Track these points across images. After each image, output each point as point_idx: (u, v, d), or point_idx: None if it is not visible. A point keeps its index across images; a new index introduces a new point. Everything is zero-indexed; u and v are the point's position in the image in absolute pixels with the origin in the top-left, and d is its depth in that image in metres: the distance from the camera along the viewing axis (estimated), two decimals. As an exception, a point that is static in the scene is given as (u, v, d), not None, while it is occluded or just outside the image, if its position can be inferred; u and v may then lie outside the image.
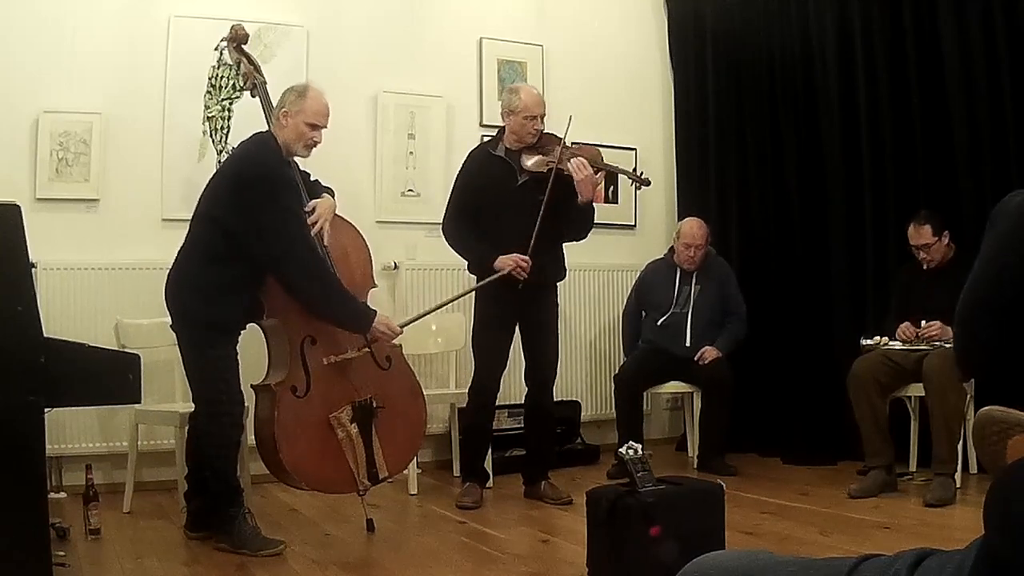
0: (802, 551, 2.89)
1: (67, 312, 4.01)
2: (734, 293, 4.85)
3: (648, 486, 2.58)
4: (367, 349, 3.33)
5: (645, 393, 4.76)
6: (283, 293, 3.18)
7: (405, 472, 3.96)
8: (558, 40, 5.33)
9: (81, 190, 4.25)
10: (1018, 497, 0.86)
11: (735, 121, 5.41)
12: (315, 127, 3.28)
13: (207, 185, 3.31)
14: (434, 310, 3.97)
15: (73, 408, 3.64)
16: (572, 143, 3.92)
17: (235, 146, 3.60)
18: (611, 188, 5.42)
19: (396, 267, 4.76)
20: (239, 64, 3.54)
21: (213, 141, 4.48)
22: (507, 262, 3.75)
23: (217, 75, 4.47)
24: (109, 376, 2.48)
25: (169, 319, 3.28)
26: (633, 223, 5.54)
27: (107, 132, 4.28)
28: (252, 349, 3.42)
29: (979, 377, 2.75)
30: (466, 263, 4.03)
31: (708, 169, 5.48)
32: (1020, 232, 1.08)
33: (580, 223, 3.94)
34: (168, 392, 4.02)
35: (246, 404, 3.31)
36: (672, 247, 4.92)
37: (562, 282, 4.10)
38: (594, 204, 3.92)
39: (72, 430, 4.03)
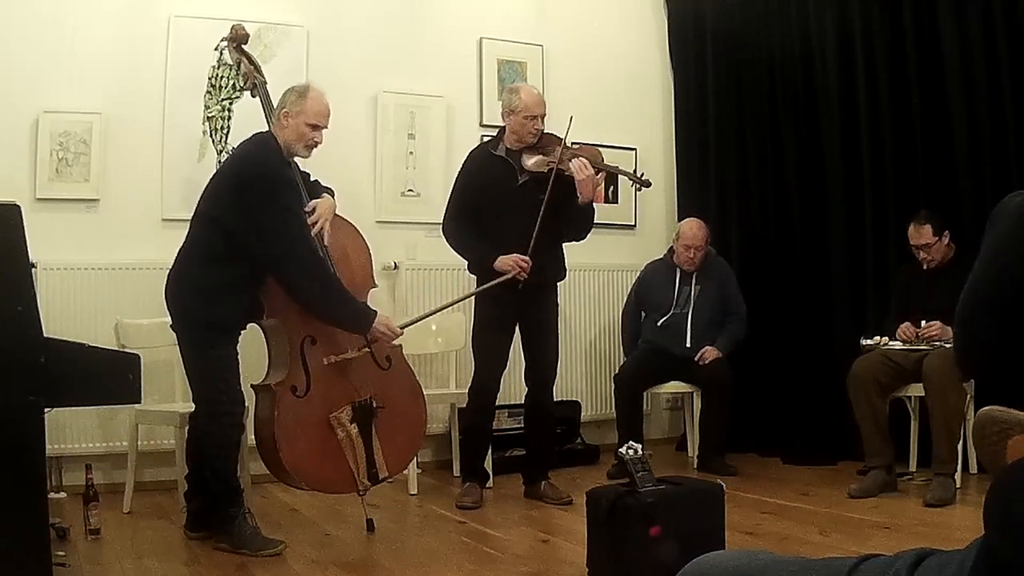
0: (802, 551, 2.89)
1: (67, 312, 4.01)
2: (734, 293, 4.84)
3: (648, 486, 2.58)
4: (367, 349, 3.33)
5: (645, 393, 4.76)
6: (283, 293, 3.18)
7: (405, 472, 3.96)
8: (558, 40, 5.33)
9: (81, 190, 4.25)
10: (1018, 497, 0.86)
11: (735, 121, 5.41)
12: (316, 127, 3.28)
13: (207, 185, 3.31)
14: (435, 312, 3.97)
15: (73, 408, 3.64)
16: (572, 143, 3.92)
17: (235, 146, 3.60)
18: (611, 188, 5.42)
19: (396, 267, 4.76)
20: (239, 64, 3.54)
21: (213, 141, 4.48)
22: (507, 263, 3.75)
23: (217, 75, 4.47)
24: (109, 376, 2.48)
25: (169, 319, 3.28)
26: (633, 223, 5.54)
27: (107, 132, 4.28)
28: (252, 349, 3.43)
29: (979, 377, 2.75)
30: (466, 263, 4.03)
31: (708, 169, 5.47)
32: (1020, 232, 1.08)
33: (580, 223, 3.94)
34: (168, 392, 4.02)
35: (246, 404, 3.31)
36: (672, 247, 4.92)
37: (562, 282, 4.10)
38: (594, 204, 3.92)
39: (72, 430, 4.03)
